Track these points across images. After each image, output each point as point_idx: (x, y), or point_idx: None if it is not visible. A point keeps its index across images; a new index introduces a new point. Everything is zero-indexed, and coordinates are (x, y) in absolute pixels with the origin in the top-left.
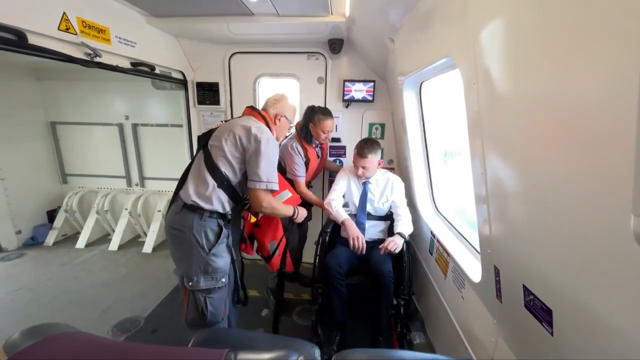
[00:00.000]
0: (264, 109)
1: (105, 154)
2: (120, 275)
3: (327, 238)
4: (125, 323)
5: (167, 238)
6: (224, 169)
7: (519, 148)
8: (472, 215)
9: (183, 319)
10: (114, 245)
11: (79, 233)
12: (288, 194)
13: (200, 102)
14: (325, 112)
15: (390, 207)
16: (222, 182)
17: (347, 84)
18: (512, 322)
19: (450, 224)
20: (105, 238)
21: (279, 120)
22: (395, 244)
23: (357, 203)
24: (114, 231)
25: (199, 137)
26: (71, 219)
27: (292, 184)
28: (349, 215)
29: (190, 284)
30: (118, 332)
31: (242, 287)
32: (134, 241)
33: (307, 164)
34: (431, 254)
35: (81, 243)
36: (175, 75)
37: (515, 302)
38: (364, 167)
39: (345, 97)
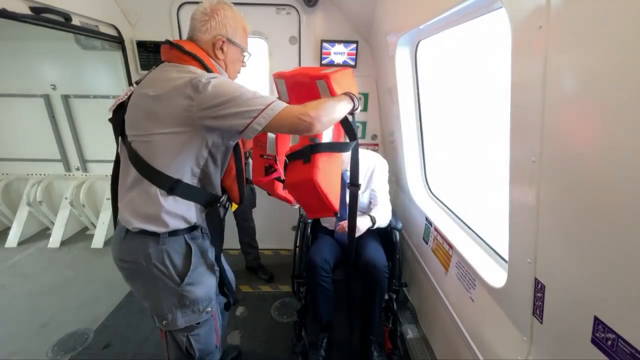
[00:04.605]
0: (190, 38)
1: (32, 133)
2: (63, 279)
3: (309, 229)
4: (69, 339)
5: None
6: (162, 167)
7: (614, 130)
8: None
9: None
10: (55, 241)
11: (9, 229)
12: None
13: (145, 67)
14: None
15: (370, 196)
16: (172, 185)
17: (325, 45)
18: (564, 352)
19: (451, 211)
20: (45, 233)
21: (221, 49)
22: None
23: None
24: (54, 224)
25: (111, 121)
26: None
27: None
28: None
29: (164, 322)
30: (60, 352)
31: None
32: (80, 235)
33: None
34: (426, 243)
35: (12, 241)
36: (105, 30)
37: (572, 332)
38: None
39: (324, 61)
